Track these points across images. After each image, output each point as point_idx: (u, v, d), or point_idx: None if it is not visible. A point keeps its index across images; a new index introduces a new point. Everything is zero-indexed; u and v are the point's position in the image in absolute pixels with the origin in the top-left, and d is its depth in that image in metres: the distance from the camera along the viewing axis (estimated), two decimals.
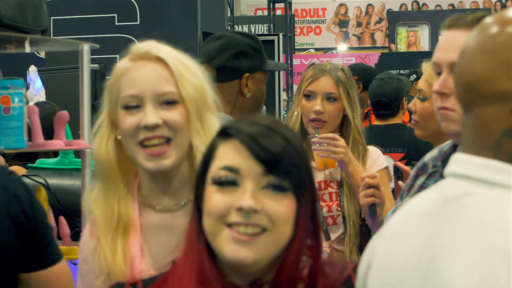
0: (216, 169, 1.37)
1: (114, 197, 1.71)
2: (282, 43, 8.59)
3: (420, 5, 24.28)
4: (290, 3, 11.31)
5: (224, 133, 1.39)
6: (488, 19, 1.13)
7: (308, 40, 24.16)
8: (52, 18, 6.07)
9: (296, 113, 2.85)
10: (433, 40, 23.46)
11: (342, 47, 23.15)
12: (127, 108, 1.68)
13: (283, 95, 8.89)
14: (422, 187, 2.00)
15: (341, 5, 24.46)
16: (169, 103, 1.67)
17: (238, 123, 1.40)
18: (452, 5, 24.16)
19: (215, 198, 1.34)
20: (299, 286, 1.38)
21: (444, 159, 1.96)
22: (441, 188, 1.13)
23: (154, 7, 6.43)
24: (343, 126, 2.82)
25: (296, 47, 16.87)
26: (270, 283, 1.38)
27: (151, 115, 1.64)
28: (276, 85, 8.10)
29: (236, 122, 1.42)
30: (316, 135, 2.73)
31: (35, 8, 2.73)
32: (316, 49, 22.37)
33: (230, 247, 1.32)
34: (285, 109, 9.66)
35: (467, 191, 1.08)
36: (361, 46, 23.63)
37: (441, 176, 1.92)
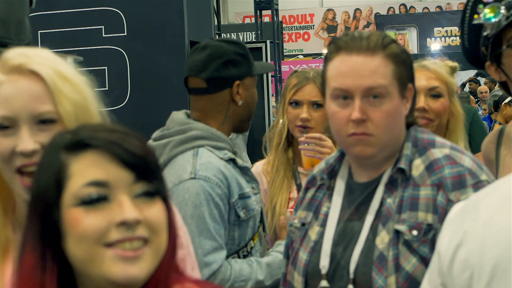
0: (79, 188, 1.20)
1: None
2: (270, 50, 8.59)
3: (408, 8, 24.37)
4: (277, 10, 11.32)
5: (75, 146, 1.23)
6: None
7: (297, 46, 24.22)
8: (39, 31, 6.07)
9: (281, 121, 2.86)
10: (421, 42, 23.54)
11: None
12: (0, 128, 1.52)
13: (272, 101, 8.90)
14: (313, 200, 2.00)
15: (328, 10, 24.53)
16: (45, 122, 1.52)
17: (89, 132, 1.25)
18: (439, 7, 24.26)
19: (87, 220, 1.19)
20: None
21: (329, 172, 1.98)
22: None
23: (141, 18, 6.42)
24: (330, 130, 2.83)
25: (285, 54, 16.89)
26: None
27: (27, 140, 1.50)
28: (264, 91, 8.11)
29: (82, 132, 1.25)
30: (304, 135, 2.75)
31: (17, 23, 2.74)
32: (305, 55, 22.42)
33: (118, 267, 1.19)
34: (274, 115, 9.67)
35: None
36: None
37: (328, 189, 1.96)
